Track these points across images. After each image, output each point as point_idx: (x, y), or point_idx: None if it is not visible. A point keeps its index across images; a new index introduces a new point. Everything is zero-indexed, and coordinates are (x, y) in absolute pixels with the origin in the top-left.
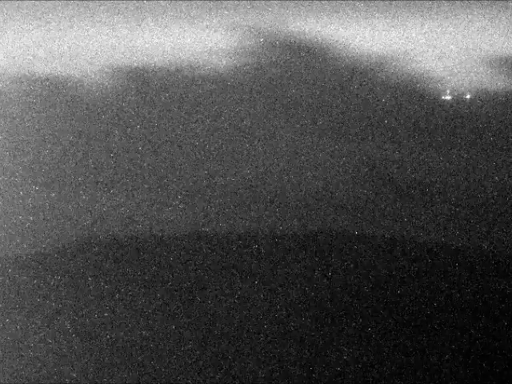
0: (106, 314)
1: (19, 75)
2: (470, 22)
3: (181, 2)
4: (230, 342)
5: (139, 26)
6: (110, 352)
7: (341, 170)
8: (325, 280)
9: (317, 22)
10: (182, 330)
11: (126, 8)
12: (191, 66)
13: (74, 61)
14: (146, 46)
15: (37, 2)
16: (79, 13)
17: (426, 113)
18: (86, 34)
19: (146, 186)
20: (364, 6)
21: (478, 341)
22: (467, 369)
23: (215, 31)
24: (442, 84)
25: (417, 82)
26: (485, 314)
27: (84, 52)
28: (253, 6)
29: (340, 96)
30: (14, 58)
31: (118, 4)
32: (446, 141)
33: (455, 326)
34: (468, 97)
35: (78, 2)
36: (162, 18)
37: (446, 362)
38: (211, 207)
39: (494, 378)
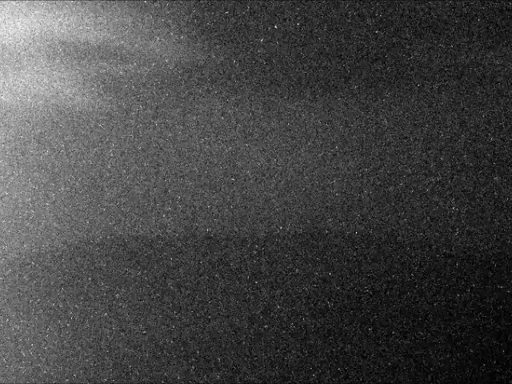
0: (105, 314)
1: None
2: None
3: None
4: (230, 342)
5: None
6: (110, 352)
7: (341, 171)
8: (324, 279)
9: None
10: (181, 330)
11: None
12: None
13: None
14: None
15: None
16: None
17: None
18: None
19: (145, 187)
20: None
21: (478, 340)
22: (467, 368)
23: None
24: None
25: None
26: (485, 313)
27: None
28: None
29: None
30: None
31: None
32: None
33: (454, 324)
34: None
35: None
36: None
37: (445, 361)
38: (211, 208)
39: (494, 377)
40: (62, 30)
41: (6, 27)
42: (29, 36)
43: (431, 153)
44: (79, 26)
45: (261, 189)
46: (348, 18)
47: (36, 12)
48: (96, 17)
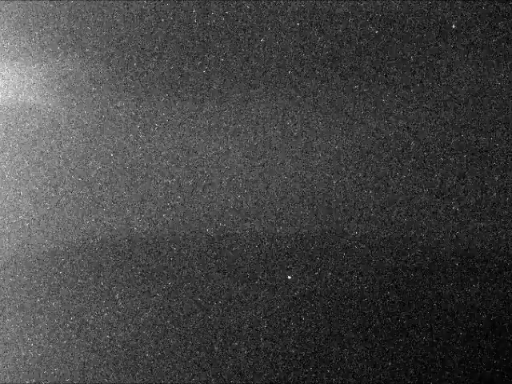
0: (106, 314)
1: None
2: None
3: None
4: (229, 343)
5: None
6: (110, 352)
7: (340, 170)
8: (324, 280)
9: None
10: (182, 330)
11: None
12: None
13: None
14: None
15: None
16: None
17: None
18: None
19: (146, 186)
20: None
21: (478, 340)
22: (467, 368)
23: None
24: None
25: None
26: (485, 313)
27: None
28: None
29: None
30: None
31: None
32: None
33: (455, 326)
34: None
35: None
36: None
37: (445, 361)
38: (211, 208)
39: (494, 377)
40: None
41: None
42: None
43: (431, 153)
44: None
45: (261, 189)
46: (348, 17)
47: None
48: None
